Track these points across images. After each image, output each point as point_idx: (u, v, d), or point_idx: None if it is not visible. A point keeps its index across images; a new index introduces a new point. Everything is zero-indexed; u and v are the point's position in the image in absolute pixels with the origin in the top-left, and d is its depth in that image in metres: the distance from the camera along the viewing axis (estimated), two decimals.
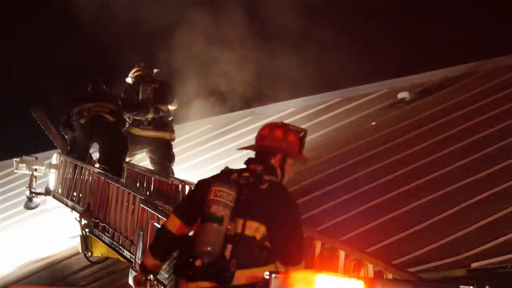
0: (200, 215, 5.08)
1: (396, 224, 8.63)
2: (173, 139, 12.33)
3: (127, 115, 12.06)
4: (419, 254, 7.82)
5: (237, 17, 15.75)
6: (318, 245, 6.44)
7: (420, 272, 7.07)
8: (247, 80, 15.66)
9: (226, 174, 5.22)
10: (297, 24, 16.57)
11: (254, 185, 5.12)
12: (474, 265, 7.34)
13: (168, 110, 12.31)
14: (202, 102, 15.41)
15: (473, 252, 7.65)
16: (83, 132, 11.70)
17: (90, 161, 11.94)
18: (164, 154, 12.18)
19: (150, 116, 12.08)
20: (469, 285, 4.38)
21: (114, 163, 11.51)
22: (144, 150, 12.29)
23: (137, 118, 12.09)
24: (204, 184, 5.19)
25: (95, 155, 12.19)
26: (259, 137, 5.34)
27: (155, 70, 12.51)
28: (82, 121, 11.69)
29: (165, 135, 12.20)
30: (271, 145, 5.25)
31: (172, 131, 12.32)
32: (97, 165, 11.74)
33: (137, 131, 12.14)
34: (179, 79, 15.05)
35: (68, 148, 12.15)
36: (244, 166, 5.31)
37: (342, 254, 6.32)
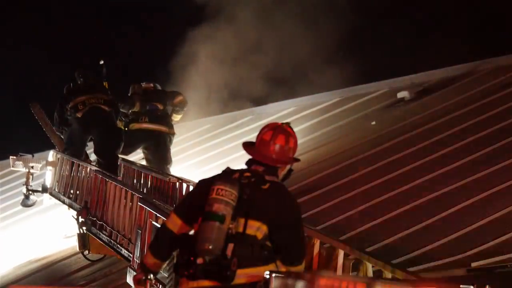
0: (201, 214, 5.07)
1: (396, 224, 8.61)
2: (172, 134, 12.32)
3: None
4: (419, 253, 7.81)
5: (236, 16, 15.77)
6: (317, 244, 6.42)
7: (419, 271, 7.06)
8: (247, 79, 15.68)
9: (227, 174, 5.21)
10: (297, 23, 16.57)
11: (255, 185, 5.13)
12: (474, 264, 7.32)
13: (164, 108, 12.34)
14: (202, 102, 15.41)
15: (473, 251, 7.64)
16: (81, 125, 11.71)
17: (87, 160, 11.93)
18: (161, 156, 12.14)
19: (136, 109, 12.16)
20: (469, 284, 4.36)
21: (110, 154, 11.56)
22: (142, 145, 12.26)
23: (123, 110, 12.16)
24: (206, 184, 5.19)
25: (93, 156, 12.18)
26: (261, 142, 5.29)
27: (158, 85, 12.65)
28: (79, 115, 11.70)
29: (162, 128, 12.20)
30: (278, 158, 5.24)
31: (171, 126, 12.33)
32: (93, 157, 11.77)
33: (134, 125, 12.18)
34: (179, 79, 15.09)
35: (65, 144, 12.15)
36: (245, 166, 5.31)
37: (341, 253, 6.30)
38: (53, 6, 20.21)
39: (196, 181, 5.47)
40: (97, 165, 11.34)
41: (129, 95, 12.49)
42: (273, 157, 5.24)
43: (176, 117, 12.49)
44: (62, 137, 12.24)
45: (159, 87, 12.71)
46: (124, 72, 17.04)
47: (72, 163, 11.52)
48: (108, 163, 11.44)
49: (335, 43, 16.10)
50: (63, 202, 11.63)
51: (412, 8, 17.64)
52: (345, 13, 16.20)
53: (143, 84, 12.54)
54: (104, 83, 12.55)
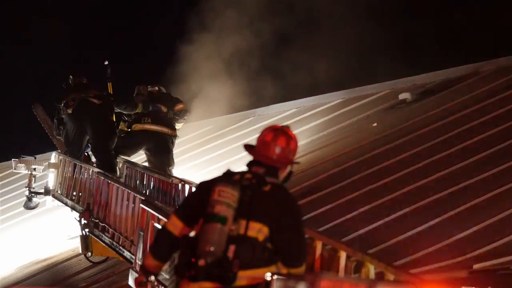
0: (202, 216, 5.08)
1: (398, 225, 8.61)
2: (174, 135, 12.33)
3: (118, 110, 12.17)
4: (421, 255, 7.81)
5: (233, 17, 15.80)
6: (319, 246, 6.42)
7: (422, 273, 7.05)
8: (247, 81, 15.70)
9: (228, 176, 5.22)
10: (298, 24, 16.58)
11: (256, 187, 5.14)
12: (476, 266, 7.32)
13: (168, 111, 12.36)
14: (203, 103, 15.42)
15: (475, 253, 7.63)
16: (73, 120, 11.78)
17: (89, 162, 11.95)
18: (163, 158, 12.15)
19: (138, 110, 12.19)
20: (471, 286, 4.36)
21: (103, 146, 11.60)
22: (144, 146, 12.27)
23: (125, 112, 12.21)
24: (207, 185, 5.20)
25: (94, 158, 12.21)
26: (262, 144, 5.30)
27: (162, 88, 12.70)
28: (70, 110, 11.78)
29: (164, 129, 12.21)
30: (278, 159, 5.25)
31: (173, 128, 12.34)
32: (94, 159, 11.81)
33: (136, 126, 12.20)
34: (180, 80, 15.11)
35: (64, 145, 12.20)
36: (246, 168, 5.31)
37: (343, 255, 6.29)
38: (56, 6, 20.26)
39: (198, 182, 5.48)
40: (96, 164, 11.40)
41: (133, 96, 12.53)
42: (273, 158, 5.26)
43: (176, 126, 12.50)
44: (62, 139, 12.27)
45: (163, 90, 12.74)
46: (129, 73, 17.08)
47: (75, 165, 11.54)
48: (102, 157, 11.50)
49: (336, 44, 16.12)
50: (66, 204, 11.64)
51: (414, 9, 17.64)
52: (345, 13, 16.21)
53: (149, 87, 12.58)
54: (108, 84, 12.63)
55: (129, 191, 9.33)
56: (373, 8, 16.71)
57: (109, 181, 10.05)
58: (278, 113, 15.20)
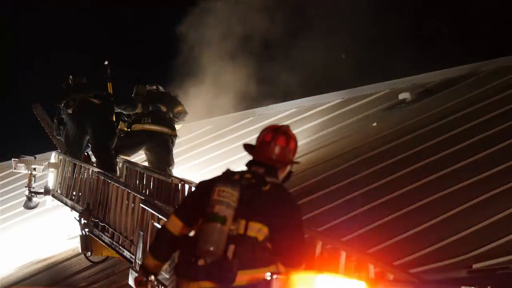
0: (202, 216, 5.09)
1: (398, 225, 8.61)
2: (174, 135, 12.33)
3: (118, 110, 12.19)
4: (421, 255, 7.81)
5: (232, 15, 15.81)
6: (319, 245, 6.42)
7: (421, 273, 7.06)
8: (247, 81, 15.69)
9: (228, 175, 5.22)
10: (297, 24, 16.58)
11: (256, 187, 5.14)
12: (475, 266, 7.32)
13: (167, 111, 12.36)
14: (203, 103, 15.42)
15: (474, 253, 7.64)
16: (73, 120, 11.80)
17: (89, 161, 11.96)
18: (163, 158, 12.15)
19: (138, 110, 12.20)
20: (471, 286, 4.36)
21: (103, 146, 11.62)
22: (144, 146, 12.27)
23: (125, 112, 12.21)
24: (206, 185, 5.20)
25: (94, 158, 12.21)
26: (261, 143, 5.31)
27: (160, 87, 12.71)
28: (70, 111, 11.80)
29: (164, 129, 12.22)
30: (278, 159, 5.26)
31: (173, 128, 12.34)
32: (94, 159, 11.82)
33: (136, 126, 12.20)
34: (180, 80, 15.11)
35: (64, 145, 12.21)
36: (245, 168, 5.31)
37: (343, 254, 6.30)
38: (55, 5, 20.27)
39: (198, 182, 5.48)
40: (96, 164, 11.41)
41: (132, 95, 12.54)
42: (273, 158, 5.26)
43: (175, 126, 12.50)
44: (62, 139, 12.28)
45: (162, 89, 12.75)
46: (128, 73, 17.08)
47: (74, 164, 11.55)
48: (102, 157, 11.51)
49: (336, 44, 16.12)
50: (66, 204, 11.64)
51: (413, 9, 17.65)
52: (345, 14, 16.21)
53: (147, 86, 12.59)
54: (108, 84, 12.64)
55: (129, 191, 9.34)
56: (372, 7, 16.71)
57: (109, 181, 10.05)
58: (278, 113, 15.20)
